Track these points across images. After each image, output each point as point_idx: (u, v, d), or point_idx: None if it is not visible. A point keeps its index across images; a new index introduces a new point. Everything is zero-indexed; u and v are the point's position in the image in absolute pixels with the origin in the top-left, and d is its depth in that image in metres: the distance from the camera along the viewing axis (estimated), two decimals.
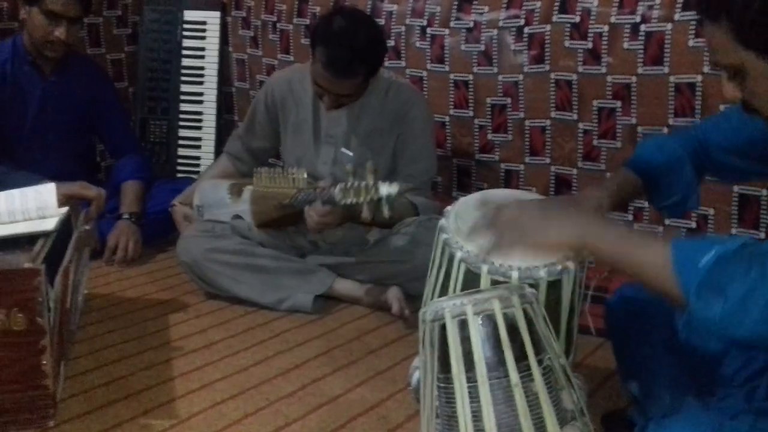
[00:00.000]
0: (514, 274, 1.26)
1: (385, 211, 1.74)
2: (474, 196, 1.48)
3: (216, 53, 3.10)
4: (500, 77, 2.34)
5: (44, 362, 1.33)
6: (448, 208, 1.40)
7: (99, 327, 1.88)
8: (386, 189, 1.72)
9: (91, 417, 1.45)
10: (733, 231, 2.00)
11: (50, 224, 1.61)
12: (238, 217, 2.16)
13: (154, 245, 2.52)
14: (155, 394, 1.55)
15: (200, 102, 3.10)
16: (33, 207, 1.65)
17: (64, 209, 1.72)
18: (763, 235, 1.96)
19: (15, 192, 1.66)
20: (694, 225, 2.05)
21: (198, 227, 2.18)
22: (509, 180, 2.38)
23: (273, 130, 2.30)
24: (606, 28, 2.11)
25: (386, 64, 2.50)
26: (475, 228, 1.26)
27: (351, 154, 2.17)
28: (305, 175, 1.95)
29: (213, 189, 2.23)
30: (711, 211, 2.01)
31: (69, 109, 2.51)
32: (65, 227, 1.69)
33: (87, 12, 2.41)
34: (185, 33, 3.10)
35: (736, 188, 1.98)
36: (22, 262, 1.40)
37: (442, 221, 1.37)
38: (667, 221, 2.05)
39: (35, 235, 1.55)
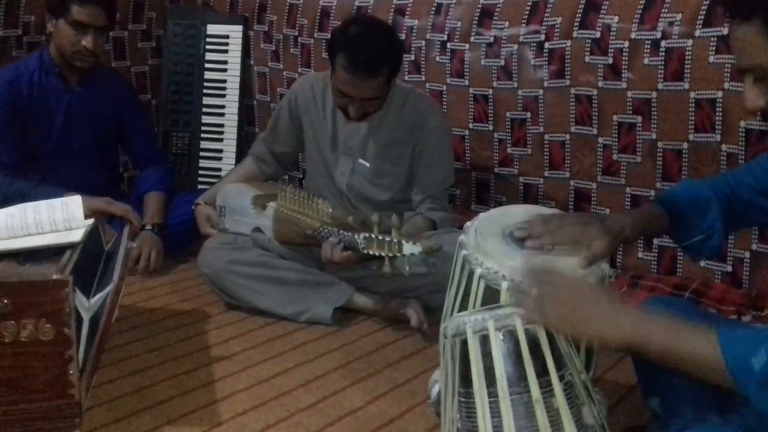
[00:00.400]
0: (534, 291, 1.27)
1: (406, 270, 1.74)
2: (493, 212, 1.48)
3: (238, 66, 3.14)
4: (520, 92, 2.35)
5: (71, 372, 1.35)
6: (468, 223, 1.41)
7: (122, 337, 1.91)
8: (410, 248, 1.72)
9: (116, 426, 1.48)
10: None
11: (77, 236, 1.63)
12: (258, 229, 2.18)
13: (176, 256, 2.55)
14: (178, 404, 1.57)
15: (222, 114, 3.14)
16: (60, 218, 1.68)
17: (90, 221, 1.74)
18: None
19: (42, 203, 1.69)
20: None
21: (219, 239, 2.20)
22: (528, 194, 2.39)
23: (296, 135, 2.33)
24: (626, 43, 2.12)
25: (406, 78, 2.54)
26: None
27: (368, 165, 2.19)
28: (330, 210, 1.96)
29: (237, 194, 2.25)
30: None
31: (94, 121, 2.54)
32: (91, 239, 1.72)
33: (113, 21, 2.45)
34: (208, 46, 3.14)
35: None
36: (50, 273, 1.42)
37: (462, 237, 1.37)
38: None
39: (62, 246, 1.59)
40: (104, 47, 2.57)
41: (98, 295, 1.50)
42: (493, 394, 1.12)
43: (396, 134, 2.16)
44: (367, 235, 1.79)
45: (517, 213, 1.42)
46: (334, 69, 1.99)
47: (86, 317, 1.43)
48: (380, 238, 1.77)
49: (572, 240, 1.28)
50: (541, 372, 1.12)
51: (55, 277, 1.38)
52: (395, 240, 1.75)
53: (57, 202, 1.69)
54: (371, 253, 1.78)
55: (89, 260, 1.64)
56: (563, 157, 2.30)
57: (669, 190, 1.44)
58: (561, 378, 1.12)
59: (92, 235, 1.72)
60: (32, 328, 1.31)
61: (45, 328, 1.32)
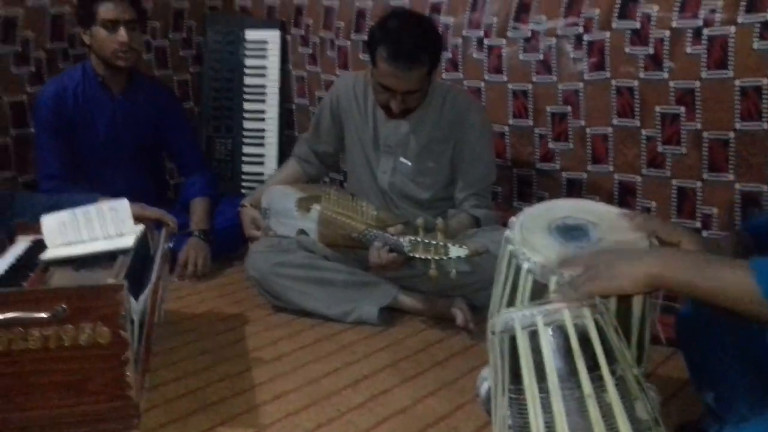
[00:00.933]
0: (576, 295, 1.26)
1: (453, 273, 1.75)
2: (539, 207, 1.48)
3: (277, 71, 3.18)
4: (560, 86, 2.33)
5: (128, 374, 1.39)
6: (513, 218, 1.40)
7: (174, 340, 1.96)
8: (456, 251, 1.73)
9: (172, 426, 1.52)
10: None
11: (129, 241, 1.68)
12: (302, 231, 2.21)
13: (223, 260, 2.59)
14: (231, 405, 1.61)
15: (262, 119, 3.18)
16: (111, 224, 1.72)
17: (141, 226, 1.79)
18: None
19: (91, 209, 1.73)
20: None
21: (264, 242, 2.24)
22: (571, 188, 2.36)
23: (337, 135, 2.35)
24: (667, 33, 2.08)
25: (443, 75, 2.54)
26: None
27: (409, 163, 2.20)
28: (375, 212, 1.97)
29: (282, 196, 2.28)
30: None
31: (137, 128, 2.60)
32: (142, 244, 1.77)
33: (141, 14, 2.49)
34: (247, 52, 3.19)
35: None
36: (105, 278, 1.47)
37: (508, 232, 1.37)
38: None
39: (115, 252, 1.63)
40: (142, 45, 2.61)
41: (141, 297, 1.53)
42: (543, 389, 1.12)
43: (437, 132, 2.17)
44: (412, 238, 1.80)
45: (562, 207, 1.42)
46: (375, 63, 2.01)
47: (137, 320, 1.47)
48: (426, 241, 1.77)
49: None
50: (592, 367, 1.11)
51: (110, 281, 1.42)
52: (441, 243, 1.75)
53: (106, 208, 1.74)
54: (417, 256, 1.79)
55: (139, 265, 1.69)
56: (606, 151, 2.28)
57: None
58: (612, 372, 1.11)
59: (141, 240, 1.76)
60: (90, 331, 1.35)
61: (102, 331, 1.36)
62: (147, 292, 1.55)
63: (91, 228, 1.70)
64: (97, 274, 1.54)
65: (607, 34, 2.20)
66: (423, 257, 1.77)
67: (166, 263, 1.95)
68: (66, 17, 2.77)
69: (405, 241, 1.80)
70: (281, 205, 2.28)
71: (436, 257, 1.74)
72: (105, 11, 2.37)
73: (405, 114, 2.10)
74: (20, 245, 1.86)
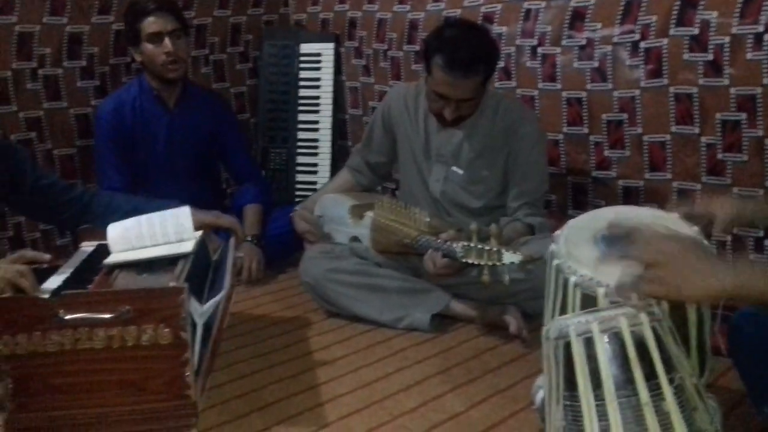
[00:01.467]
0: (633, 295, 1.24)
1: (506, 278, 1.74)
2: (582, 218, 1.46)
3: (330, 82, 3.22)
4: (615, 93, 2.30)
5: (187, 374, 1.43)
6: (558, 232, 1.39)
7: (231, 343, 2.00)
8: (510, 257, 1.73)
9: (228, 426, 1.55)
10: None
11: (188, 246, 1.73)
12: (355, 238, 2.23)
13: (276, 266, 2.64)
14: (286, 407, 1.64)
15: (316, 129, 3.23)
16: (172, 230, 1.78)
17: (200, 232, 1.85)
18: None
19: (154, 216, 1.79)
20: None
21: (318, 248, 2.27)
22: (628, 196, 2.33)
23: (390, 145, 2.37)
24: (727, 39, 2.04)
25: (496, 84, 2.54)
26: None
27: (461, 172, 2.20)
28: (428, 219, 1.98)
29: (334, 204, 2.32)
30: None
31: (193, 139, 2.67)
32: (201, 249, 1.82)
33: (183, 22, 2.56)
34: (302, 65, 3.25)
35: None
36: (167, 281, 1.52)
37: (553, 246, 1.36)
38: None
39: (176, 256, 1.69)
40: (188, 54, 2.69)
41: (210, 302, 1.58)
42: (599, 397, 1.11)
43: (489, 141, 2.17)
44: (465, 243, 1.80)
45: (606, 216, 1.39)
46: (431, 72, 2.02)
47: (200, 322, 1.51)
48: (479, 246, 1.77)
49: None
50: (650, 375, 1.10)
51: (172, 284, 1.47)
52: (495, 249, 1.75)
53: (168, 215, 1.79)
54: (470, 261, 1.79)
55: (199, 269, 1.74)
56: (664, 158, 2.23)
57: None
58: (671, 381, 1.10)
59: (200, 245, 1.82)
60: (152, 332, 1.40)
61: (163, 332, 1.41)
62: (219, 297, 1.59)
63: (153, 233, 1.76)
64: (159, 278, 1.59)
65: (665, 40, 2.17)
66: (476, 263, 1.77)
67: (236, 270, 2.00)
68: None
69: (458, 246, 1.81)
70: (334, 213, 2.31)
71: (490, 263, 1.74)
72: (148, 26, 2.46)
73: (458, 122, 2.11)
74: (85, 250, 1.94)
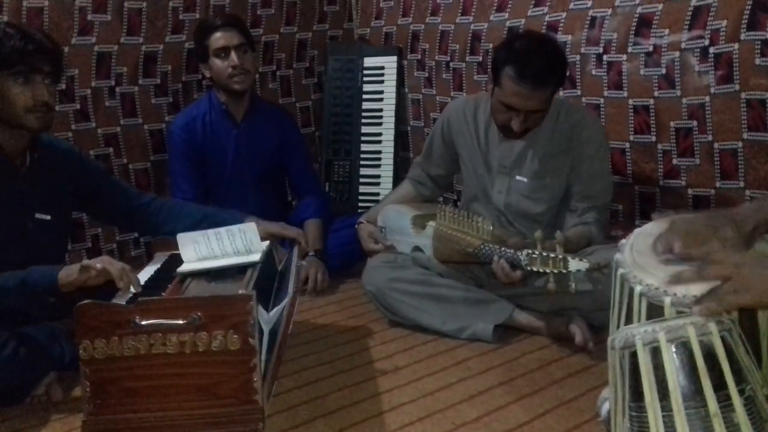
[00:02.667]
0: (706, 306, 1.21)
1: (572, 286, 1.72)
2: (648, 226, 1.43)
3: (393, 95, 3.26)
4: (684, 100, 2.25)
5: (255, 379, 1.47)
6: (623, 240, 1.37)
7: (296, 351, 2.04)
8: (576, 265, 1.70)
9: None
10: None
11: (256, 257, 1.79)
12: (418, 248, 2.25)
13: (340, 277, 2.68)
14: (350, 414, 1.66)
15: (379, 141, 3.27)
16: (240, 242, 1.84)
17: (266, 243, 1.90)
18: None
19: (223, 230, 1.87)
20: None
21: (381, 258, 2.29)
22: (698, 206, 2.26)
23: (450, 158, 2.39)
24: None
25: (560, 93, 2.51)
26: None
27: (525, 180, 2.19)
28: (491, 227, 1.98)
29: (397, 215, 2.34)
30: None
31: (259, 153, 2.75)
32: (268, 259, 1.87)
33: (248, 37, 2.64)
34: (365, 78, 3.30)
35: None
36: (236, 289, 1.58)
37: (618, 255, 1.34)
38: None
39: (244, 266, 1.74)
40: (255, 67, 2.76)
41: (275, 309, 1.62)
42: (666, 407, 1.09)
43: (552, 146, 2.15)
44: (530, 251, 1.79)
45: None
46: (500, 83, 2.02)
47: (266, 329, 1.56)
48: (544, 254, 1.75)
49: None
50: (719, 385, 1.06)
51: (240, 292, 1.52)
52: (560, 256, 1.73)
53: (236, 229, 1.86)
54: (535, 269, 1.77)
55: (266, 278, 1.79)
56: (736, 166, 2.17)
57: None
58: (741, 392, 1.06)
59: (267, 255, 1.87)
60: (222, 338, 1.45)
61: (232, 338, 1.46)
62: (283, 305, 1.64)
63: (223, 245, 1.83)
64: (229, 286, 1.65)
65: (736, 45, 2.11)
66: (541, 270, 1.75)
67: (299, 279, 2.05)
68: None
69: (522, 254, 1.80)
70: (397, 223, 2.33)
71: (555, 270, 1.72)
72: (215, 41, 2.57)
73: (524, 134, 2.11)
74: (158, 260, 2.02)
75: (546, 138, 2.15)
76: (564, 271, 1.70)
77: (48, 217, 1.88)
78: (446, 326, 2.11)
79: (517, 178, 2.20)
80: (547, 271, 1.73)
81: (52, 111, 1.81)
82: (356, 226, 2.51)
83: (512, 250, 1.84)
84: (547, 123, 2.14)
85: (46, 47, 1.77)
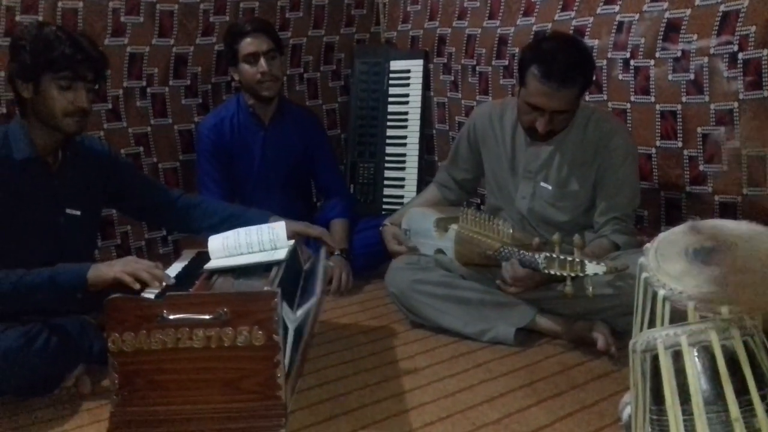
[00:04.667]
0: (724, 309, 1.21)
1: (589, 290, 1.72)
2: (674, 230, 1.43)
3: (419, 98, 3.28)
4: (712, 106, 2.24)
5: (278, 375, 1.50)
6: (648, 245, 1.37)
7: (320, 349, 2.06)
8: (593, 268, 1.71)
9: (316, 428, 1.61)
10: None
11: (282, 254, 1.82)
12: (440, 251, 2.26)
13: (363, 277, 2.70)
14: (371, 412, 1.68)
15: (404, 144, 3.29)
16: (267, 240, 1.87)
17: (291, 242, 1.93)
18: None
19: (252, 228, 1.90)
20: None
21: (404, 260, 2.31)
22: (725, 213, 2.24)
23: (475, 162, 2.40)
24: None
25: (587, 98, 2.51)
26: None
27: (550, 187, 2.19)
28: (511, 231, 1.99)
29: (421, 217, 2.36)
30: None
31: (286, 154, 2.78)
32: (293, 257, 1.90)
33: (277, 43, 2.67)
34: (391, 81, 3.33)
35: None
36: (261, 286, 1.61)
37: (642, 259, 1.34)
38: None
39: (270, 263, 1.77)
40: (283, 72, 2.79)
41: (302, 308, 1.65)
42: (687, 411, 1.09)
43: (580, 155, 2.15)
44: (548, 254, 1.79)
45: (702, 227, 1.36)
46: (525, 83, 2.03)
47: (291, 327, 1.58)
48: (562, 257, 1.76)
49: None
50: (741, 390, 1.07)
51: (266, 288, 1.55)
52: (577, 259, 1.73)
53: (264, 227, 1.89)
54: (552, 272, 1.78)
55: (291, 276, 1.81)
56: (765, 173, 2.14)
57: None
58: (763, 398, 1.06)
59: (293, 254, 1.90)
60: (247, 334, 1.48)
61: (257, 334, 1.48)
62: (311, 304, 1.66)
63: (250, 243, 1.86)
64: (254, 283, 1.67)
65: (765, 51, 2.09)
66: (558, 273, 1.75)
67: (326, 279, 2.08)
68: None
69: (540, 257, 1.80)
70: (420, 226, 2.35)
71: (572, 274, 1.72)
72: (245, 47, 2.60)
73: (549, 137, 2.10)
74: (186, 256, 2.06)
75: (573, 146, 2.14)
76: (581, 274, 1.70)
77: (78, 213, 1.93)
78: (468, 328, 2.11)
79: (542, 184, 2.20)
80: (564, 274, 1.73)
81: (88, 115, 1.86)
82: (380, 228, 2.52)
83: (531, 253, 1.84)
84: (575, 131, 2.14)
85: (93, 57, 1.82)
